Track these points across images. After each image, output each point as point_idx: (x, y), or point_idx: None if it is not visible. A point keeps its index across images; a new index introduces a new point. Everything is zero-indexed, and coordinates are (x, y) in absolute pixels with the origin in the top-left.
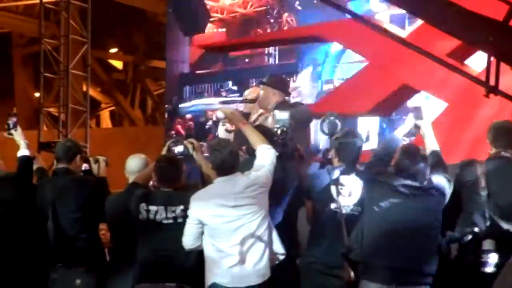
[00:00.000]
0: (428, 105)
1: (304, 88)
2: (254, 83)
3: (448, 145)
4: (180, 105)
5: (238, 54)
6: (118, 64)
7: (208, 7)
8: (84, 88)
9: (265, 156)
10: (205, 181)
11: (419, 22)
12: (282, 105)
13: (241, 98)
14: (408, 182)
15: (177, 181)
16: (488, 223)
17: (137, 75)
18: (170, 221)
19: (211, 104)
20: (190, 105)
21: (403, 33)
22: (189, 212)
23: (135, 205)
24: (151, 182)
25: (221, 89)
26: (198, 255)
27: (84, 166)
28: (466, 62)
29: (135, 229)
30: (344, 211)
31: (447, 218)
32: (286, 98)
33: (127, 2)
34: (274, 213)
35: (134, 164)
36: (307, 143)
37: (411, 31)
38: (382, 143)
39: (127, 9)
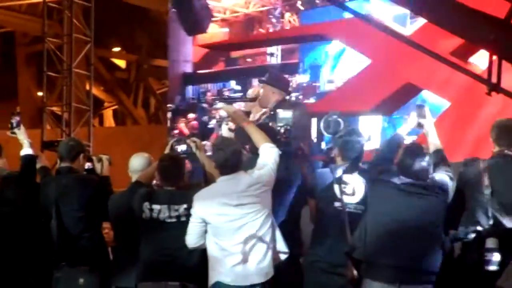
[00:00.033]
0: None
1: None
2: (257, 83)
3: (451, 144)
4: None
5: (241, 54)
6: (121, 63)
7: (210, 7)
8: (87, 87)
9: (268, 155)
10: (208, 180)
11: (420, 21)
12: (282, 104)
13: (240, 97)
14: (411, 180)
15: (180, 180)
16: (491, 222)
17: (140, 74)
18: (173, 220)
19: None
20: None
21: (405, 32)
22: (192, 211)
23: (138, 204)
24: (154, 181)
25: (224, 88)
26: (201, 253)
27: (87, 165)
28: (470, 60)
29: (138, 228)
30: (347, 210)
31: (450, 216)
32: (287, 96)
33: (130, 1)
34: (277, 212)
35: (137, 163)
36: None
37: (413, 30)
38: (385, 142)
39: (130, 8)
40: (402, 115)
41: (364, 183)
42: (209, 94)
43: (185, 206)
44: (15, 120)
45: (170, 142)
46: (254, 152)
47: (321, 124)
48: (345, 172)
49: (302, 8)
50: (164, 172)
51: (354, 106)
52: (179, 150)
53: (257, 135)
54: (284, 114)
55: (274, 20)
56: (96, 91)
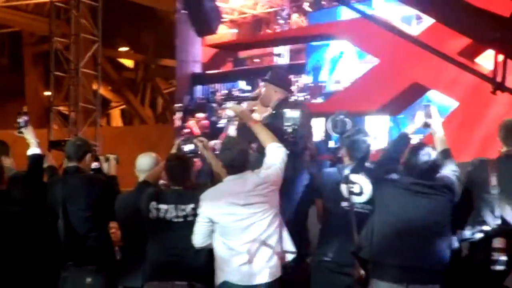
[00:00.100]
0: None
1: None
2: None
3: (459, 143)
4: None
5: (248, 55)
6: (128, 62)
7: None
8: (95, 87)
9: (276, 155)
10: (215, 180)
11: (425, 23)
12: (284, 103)
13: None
14: (418, 180)
15: (187, 180)
16: (498, 221)
17: (148, 74)
18: (180, 219)
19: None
20: None
21: (412, 32)
22: (200, 211)
23: (145, 204)
24: (161, 181)
25: (234, 89)
26: (208, 253)
27: (95, 164)
28: (477, 60)
29: (145, 228)
30: (354, 210)
31: (457, 216)
32: (290, 96)
33: (137, 0)
34: (285, 212)
35: (144, 162)
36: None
37: (420, 30)
38: (391, 142)
39: (137, 8)
40: (407, 115)
41: (371, 183)
42: (218, 94)
43: (192, 205)
44: (22, 119)
45: (177, 142)
46: (261, 151)
47: (328, 124)
48: (352, 171)
49: (309, 9)
50: (171, 172)
51: (361, 106)
52: (186, 149)
53: (264, 135)
54: (292, 114)
55: (281, 21)
56: (103, 91)
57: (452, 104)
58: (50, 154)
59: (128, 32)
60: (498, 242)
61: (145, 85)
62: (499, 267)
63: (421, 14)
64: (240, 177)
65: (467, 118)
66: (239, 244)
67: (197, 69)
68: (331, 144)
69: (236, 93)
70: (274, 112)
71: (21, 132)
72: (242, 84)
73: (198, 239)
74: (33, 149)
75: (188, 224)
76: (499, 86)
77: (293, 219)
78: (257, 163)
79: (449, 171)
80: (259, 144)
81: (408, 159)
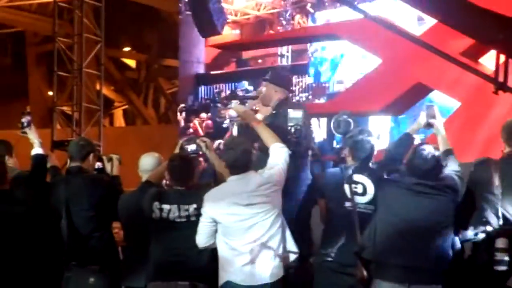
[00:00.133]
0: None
1: None
2: None
3: (462, 144)
4: None
5: (252, 56)
6: (131, 62)
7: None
8: (98, 87)
9: (279, 155)
10: (218, 180)
11: (427, 24)
12: (285, 103)
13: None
14: (421, 180)
15: (190, 180)
16: (501, 222)
17: (150, 74)
18: (183, 219)
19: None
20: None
21: (415, 33)
22: (203, 211)
23: (148, 204)
24: (164, 181)
25: (238, 89)
26: (211, 253)
27: (97, 164)
28: (480, 61)
29: (148, 228)
30: (357, 210)
31: (460, 216)
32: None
33: (140, 0)
34: (287, 212)
35: (147, 162)
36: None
37: (423, 30)
38: (394, 142)
39: (140, 8)
40: (408, 115)
41: (374, 183)
42: (223, 94)
43: (195, 206)
44: (26, 119)
45: (180, 142)
46: (263, 151)
47: (332, 124)
48: (356, 172)
49: (312, 10)
50: (174, 172)
51: (364, 106)
52: (189, 149)
53: (267, 135)
54: (295, 114)
55: (284, 22)
56: (106, 91)
57: (454, 104)
58: (53, 154)
59: (131, 32)
60: (501, 243)
61: (148, 85)
62: (502, 268)
63: (424, 15)
64: (243, 177)
65: (469, 118)
66: (242, 244)
67: (201, 69)
68: (334, 144)
69: (240, 93)
70: (274, 111)
71: (24, 132)
72: (246, 85)
73: (202, 239)
74: (36, 149)
75: (191, 224)
76: (501, 86)
77: (296, 219)
78: (260, 162)
79: (451, 171)
80: (261, 143)
81: (411, 159)
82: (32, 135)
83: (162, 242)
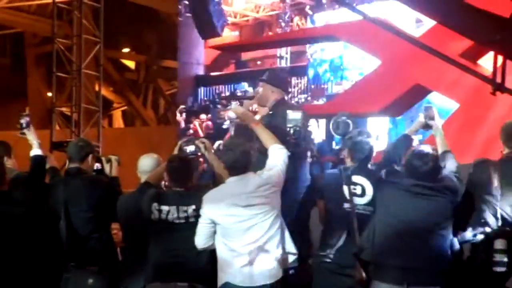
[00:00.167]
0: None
1: None
2: None
3: (461, 145)
4: None
5: (251, 57)
6: (130, 64)
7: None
8: (97, 88)
9: (278, 156)
10: (217, 181)
11: (425, 26)
12: (281, 103)
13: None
14: (419, 182)
15: (189, 181)
16: (500, 223)
17: (149, 75)
18: (182, 221)
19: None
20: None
21: (413, 34)
22: (202, 212)
23: (147, 205)
24: (163, 182)
25: (237, 90)
26: (210, 254)
27: (96, 165)
28: (479, 62)
29: (147, 229)
30: (356, 211)
31: (459, 217)
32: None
33: (139, 1)
34: (286, 213)
35: (146, 163)
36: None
37: (421, 32)
38: (392, 143)
39: (139, 9)
40: (406, 117)
41: (373, 185)
42: (222, 95)
43: (193, 207)
44: (24, 120)
45: (179, 143)
46: (262, 152)
47: (331, 125)
48: (354, 173)
49: (310, 12)
50: (173, 173)
51: (363, 108)
52: (187, 151)
53: (266, 136)
54: (294, 115)
55: (283, 24)
56: (105, 92)
57: (453, 106)
58: (52, 155)
59: (130, 33)
60: (499, 244)
61: (147, 86)
62: (501, 269)
63: (422, 16)
64: (242, 179)
65: (468, 119)
66: (241, 246)
67: (200, 71)
68: (333, 145)
69: (240, 94)
70: (271, 112)
71: (23, 133)
72: (246, 86)
73: (200, 240)
74: (35, 150)
75: (189, 225)
76: (499, 87)
77: (295, 220)
78: (259, 163)
79: (450, 172)
80: (260, 145)
81: (410, 160)
82: (31, 136)
83: (161, 243)
